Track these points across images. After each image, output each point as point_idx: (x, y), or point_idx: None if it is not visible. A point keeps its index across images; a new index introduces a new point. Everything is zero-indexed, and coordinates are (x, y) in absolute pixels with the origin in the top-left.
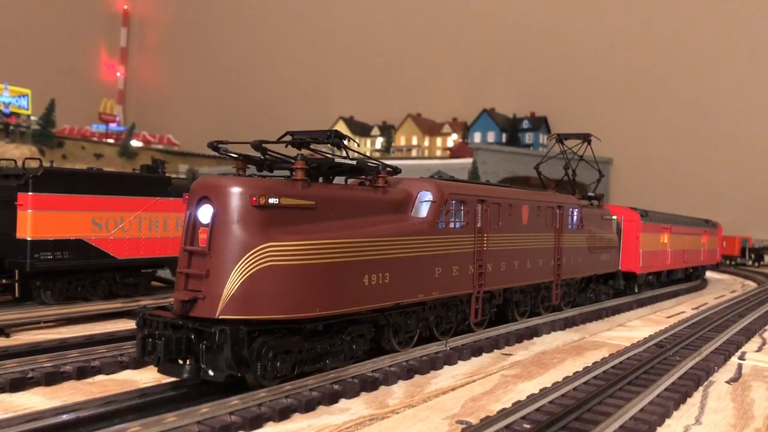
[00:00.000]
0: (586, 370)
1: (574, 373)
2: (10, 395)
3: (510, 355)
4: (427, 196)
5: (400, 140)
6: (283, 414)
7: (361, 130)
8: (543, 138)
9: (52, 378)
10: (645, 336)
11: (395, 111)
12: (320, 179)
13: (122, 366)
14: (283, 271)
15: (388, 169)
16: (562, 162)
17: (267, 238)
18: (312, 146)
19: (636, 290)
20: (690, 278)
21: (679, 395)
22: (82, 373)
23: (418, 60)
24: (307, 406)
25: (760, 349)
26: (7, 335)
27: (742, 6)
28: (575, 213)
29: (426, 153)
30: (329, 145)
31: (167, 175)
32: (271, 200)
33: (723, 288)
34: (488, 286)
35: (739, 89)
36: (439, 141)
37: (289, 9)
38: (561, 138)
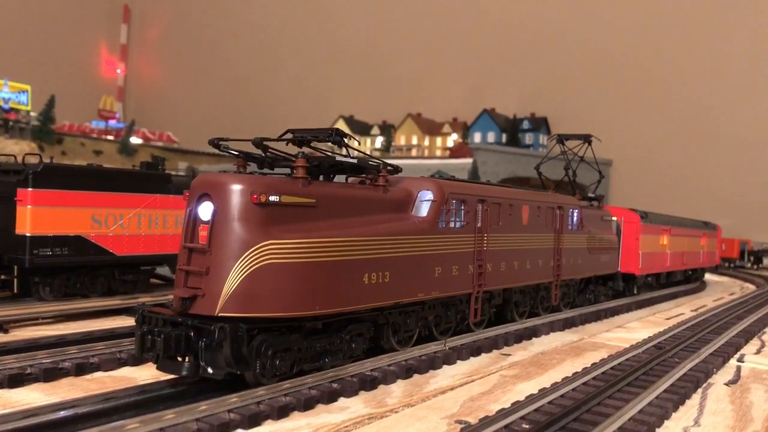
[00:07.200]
0: (585, 371)
1: (573, 374)
2: (9, 391)
3: (509, 355)
4: (427, 196)
5: (400, 140)
6: (281, 412)
7: (361, 129)
8: (543, 138)
9: (50, 374)
10: (644, 337)
11: (395, 110)
12: (321, 177)
13: (121, 363)
14: (283, 269)
15: (389, 168)
16: (562, 163)
17: (267, 235)
18: (313, 144)
19: (635, 292)
20: (689, 280)
21: (678, 397)
22: (81, 369)
23: (419, 60)
24: (306, 405)
25: (759, 352)
26: (6, 331)
27: (742, 8)
28: (575, 214)
29: (426, 153)
30: (330, 143)
31: (167, 172)
32: (272, 198)
33: (722, 290)
34: (488, 286)
35: (739, 92)
36: (439, 141)
37: (290, 7)
38: (561, 139)
